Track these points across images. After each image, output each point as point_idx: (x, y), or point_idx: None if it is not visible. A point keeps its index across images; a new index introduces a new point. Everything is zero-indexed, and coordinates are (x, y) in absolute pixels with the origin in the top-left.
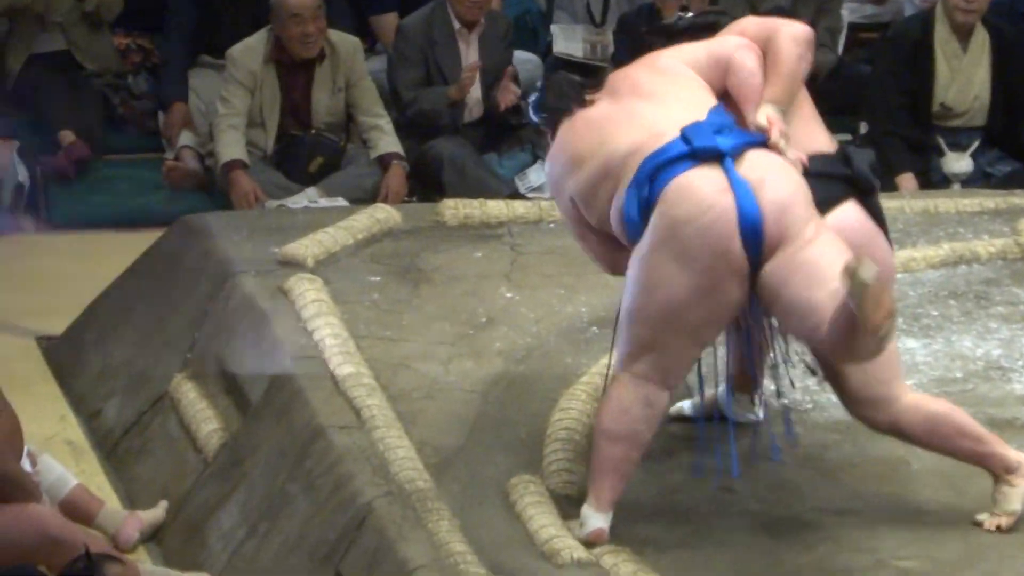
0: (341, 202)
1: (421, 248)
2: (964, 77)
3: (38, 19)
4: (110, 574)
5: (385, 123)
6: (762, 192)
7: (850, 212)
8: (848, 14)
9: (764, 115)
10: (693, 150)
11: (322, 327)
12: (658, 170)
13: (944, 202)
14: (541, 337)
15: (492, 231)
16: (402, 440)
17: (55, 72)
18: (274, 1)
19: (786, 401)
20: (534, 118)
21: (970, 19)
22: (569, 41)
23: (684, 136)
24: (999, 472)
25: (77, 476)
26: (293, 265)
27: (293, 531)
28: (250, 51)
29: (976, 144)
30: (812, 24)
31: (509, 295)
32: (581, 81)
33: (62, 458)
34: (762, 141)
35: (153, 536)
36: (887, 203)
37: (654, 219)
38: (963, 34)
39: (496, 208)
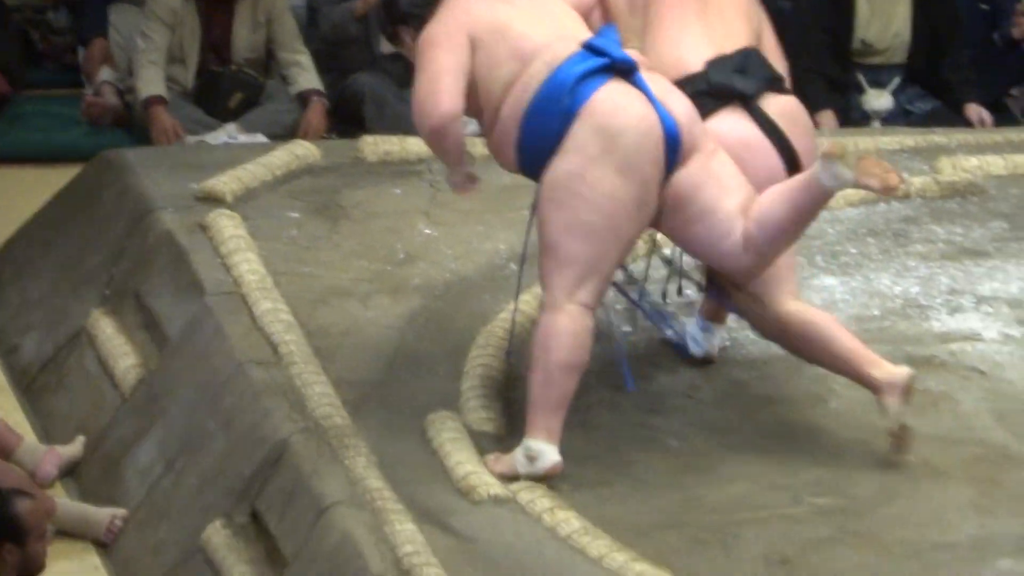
0: (260, 138)
1: (340, 184)
2: (884, 13)
3: None
4: (21, 509)
5: (305, 59)
6: (670, 105)
7: (719, 123)
8: None
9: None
10: (613, 62)
11: (240, 263)
12: (579, 81)
13: (864, 140)
14: (460, 274)
15: (411, 167)
16: (319, 376)
17: None
18: None
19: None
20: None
21: None
22: None
23: (594, 48)
24: (872, 390)
25: None
26: (212, 201)
27: (210, 467)
28: None
29: (897, 81)
30: None
31: (428, 231)
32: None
33: None
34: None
35: (71, 472)
36: None
37: (583, 132)
38: None
39: (416, 144)
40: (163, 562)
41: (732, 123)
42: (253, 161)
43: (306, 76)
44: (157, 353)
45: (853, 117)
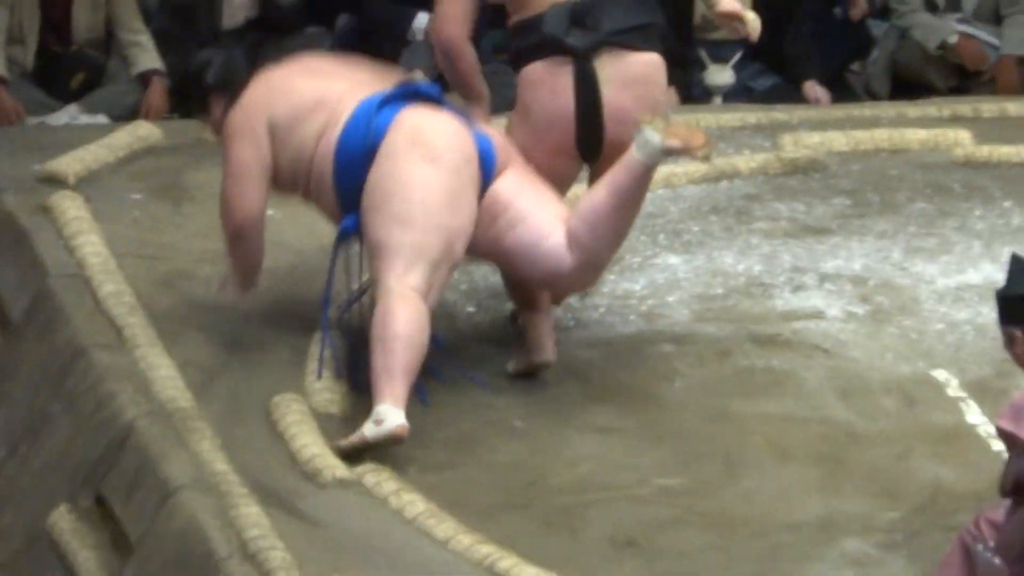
0: (102, 119)
1: (183, 165)
2: None
3: None
4: None
5: (145, 39)
6: (482, 127)
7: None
8: None
9: None
10: (417, 91)
11: (83, 245)
12: (382, 106)
13: (705, 116)
14: (304, 255)
15: None
16: (163, 359)
17: None
18: None
19: None
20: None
21: None
22: None
23: (400, 86)
24: None
25: None
26: (54, 183)
27: (54, 452)
28: None
29: (738, 56)
30: None
31: (271, 213)
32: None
33: None
34: None
35: None
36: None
37: (390, 140)
38: None
39: None
40: (7, 548)
41: (543, 69)
42: (95, 142)
43: (146, 56)
44: None
45: (694, 94)
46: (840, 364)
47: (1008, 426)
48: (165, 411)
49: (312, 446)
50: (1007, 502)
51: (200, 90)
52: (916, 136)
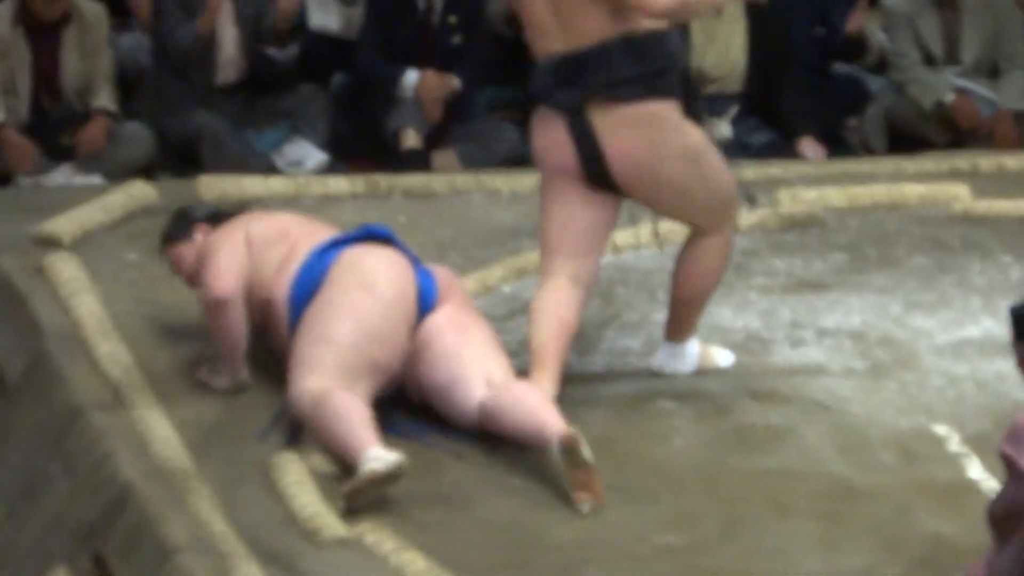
0: (97, 180)
1: None
2: (720, 41)
3: None
4: None
5: (108, 85)
6: (430, 267)
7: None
8: None
9: None
10: (367, 232)
11: (79, 306)
12: (334, 245)
13: None
14: None
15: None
16: (161, 419)
17: None
18: None
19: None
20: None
21: None
22: (325, 15)
23: (356, 229)
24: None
25: None
26: (50, 244)
27: (52, 513)
28: None
29: (734, 111)
30: None
31: None
32: (205, 215)
33: None
34: None
35: None
36: None
37: (333, 273)
38: None
39: (252, 184)
40: None
41: (543, 117)
42: (90, 203)
43: (104, 96)
44: None
45: None
46: (840, 419)
47: (1009, 450)
48: (163, 471)
49: (311, 505)
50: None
51: (185, 222)
52: (914, 191)
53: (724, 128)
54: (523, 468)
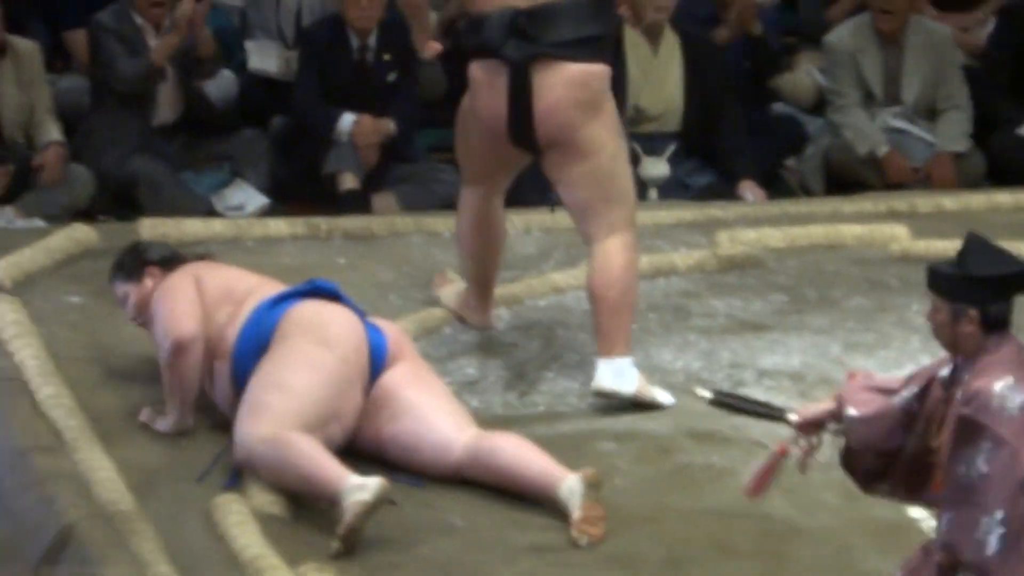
0: (38, 222)
1: None
2: (656, 79)
3: None
4: None
5: (50, 118)
6: (379, 323)
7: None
8: None
9: None
10: (314, 287)
11: (22, 348)
12: (280, 300)
13: (642, 215)
14: None
15: (190, 250)
16: (103, 461)
17: None
18: None
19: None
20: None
21: (660, 17)
22: (264, 58)
23: (301, 284)
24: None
25: None
26: None
27: None
28: None
29: (672, 148)
30: None
31: None
32: (157, 258)
33: None
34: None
35: None
36: None
37: (282, 328)
38: (653, 36)
39: (193, 226)
40: None
41: (483, 69)
42: (31, 245)
43: (51, 130)
44: None
45: None
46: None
47: (983, 418)
48: (106, 513)
49: (254, 546)
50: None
51: (138, 263)
52: (852, 232)
53: (661, 166)
54: (466, 509)
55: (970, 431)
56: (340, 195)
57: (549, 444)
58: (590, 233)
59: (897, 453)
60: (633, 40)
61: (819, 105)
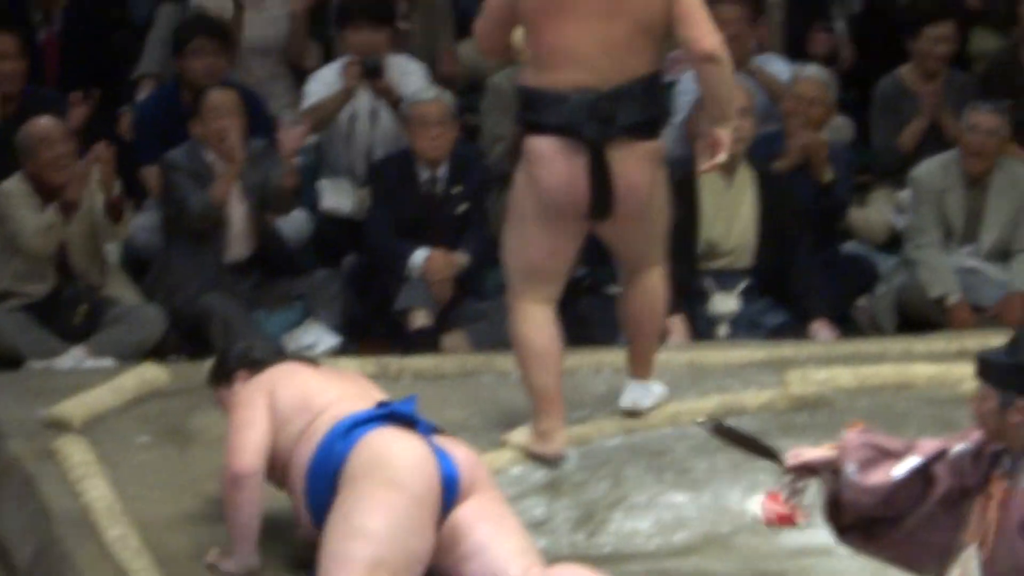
0: (108, 362)
1: (189, 408)
2: (729, 213)
3: None
4: None
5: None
6: (449, 448)
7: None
8: None
9: None
10: (390, 412)
11: (89, 489)
12: (356, 426)
13: (712, 354)
14: None
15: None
16: None
17: None
18: (19, 137)
19: None
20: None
21: (735, 148)
22: (337, 196)
23: (380, 406)
24: None
25: None
26: (60, 427)
27: None
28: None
29: (743, 284)
30: None
31: None
32: (244, 360)
33: None
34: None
35: None
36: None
37: (351, 465)
38: (726, 170)
39: None
40: None
41: (558, 146)
42: (101, 385)
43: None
44: None
45: (699, 327)
46: None
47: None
48: None
49: None
50: None
51: (226, 367)
52: (923, 371)
53: (731, 302)
54: None
55: None
56: (411, 333)
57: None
58: (633, 266)
59: (891, 522)
60: (708, 174)
61: (891, 243)
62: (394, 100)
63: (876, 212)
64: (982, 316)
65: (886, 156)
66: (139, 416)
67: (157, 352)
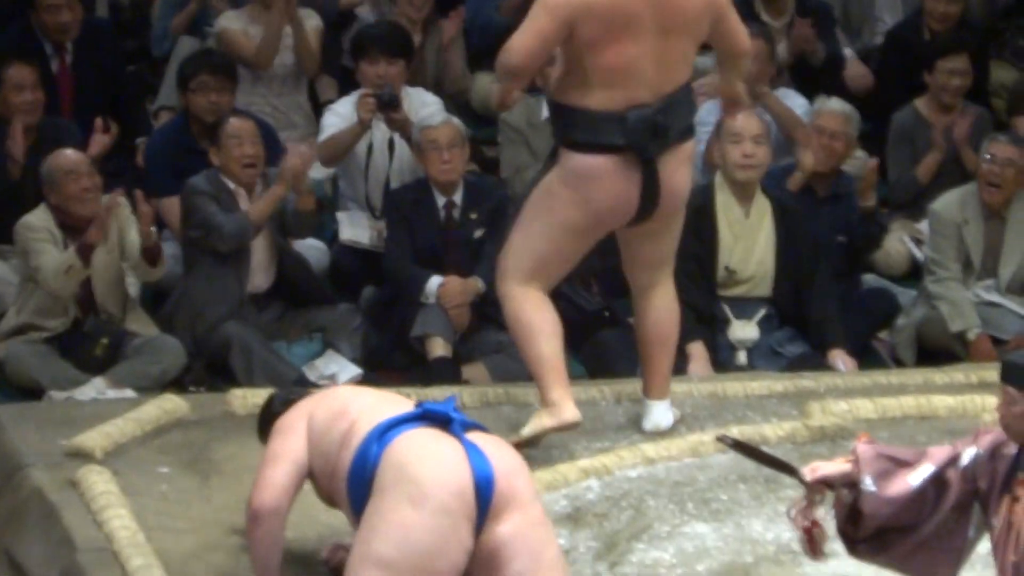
0: (129, 393)
1: (210, 439)
2: (747, 240)
3: None
4: None
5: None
6: (490, 451)
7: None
8: None
9: None
10: (424, 411)
11: (112, 519)
12: (390, 427)
13: (732, 384)
14: (331, 526)
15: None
16: None
17: None
18: (44, 169)
19: None
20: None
21: (751, 174)
22: (355, 228)
23: (418, 404)
24: None
25: None
26: (82, 457)
27: None
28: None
29: (762, 313)
30: None
31: None
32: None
33: None
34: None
35: None
36: (675, 387)
37: (382, 472)
38: (744, 198)
39: None
40: None
41: (614, 164)
42: (122, 416)
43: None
44: None
45: (721, 357)
46: None
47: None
48: None
49: None
50: None
51: (268, 418)
52: (943, 403)
53: (750, 329)
54: None
55: None
56: (431, 363)
57: None
58: (650, 281)
59: (906, 530)
60: (724, 202)
61: (911, 275)
62: (409, 134)
63: (895, 243)
64: (1002, 349)
65: (901, 188)
66: (160, 446)
67: (176, 384)
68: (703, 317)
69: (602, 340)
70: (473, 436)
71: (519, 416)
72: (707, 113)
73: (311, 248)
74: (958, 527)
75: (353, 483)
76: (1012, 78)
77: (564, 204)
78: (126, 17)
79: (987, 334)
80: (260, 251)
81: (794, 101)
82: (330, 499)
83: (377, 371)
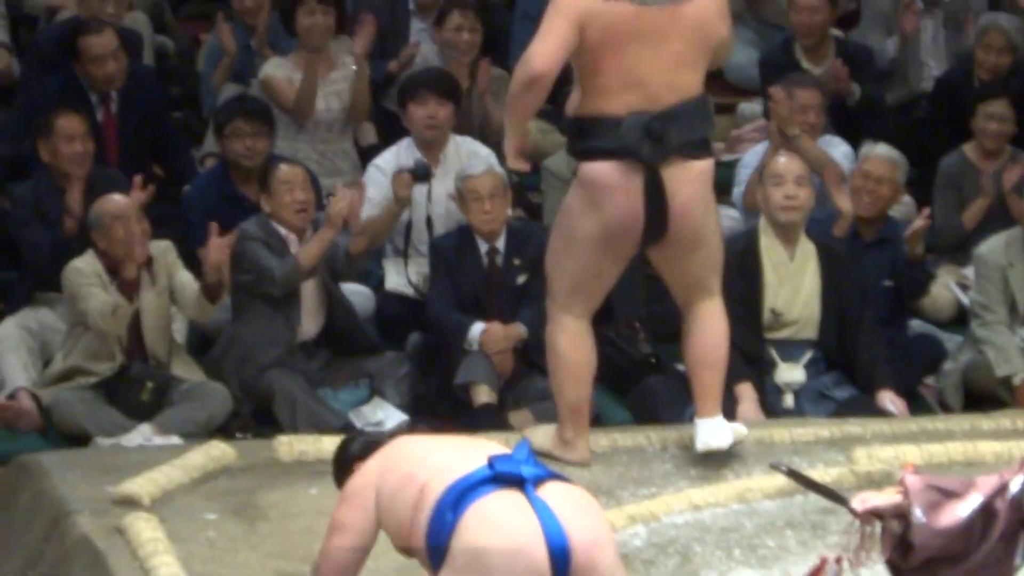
0: (175, 440)
1: (256, 485)
2: (792, 282)
3: None
4: None
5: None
6: (568, 520)
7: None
8: None
9: None
10: (496, 474)
11: (159, 566)
12: (463, 493)
13: (779, 431)
14: (378, 572)
15: (327, 467)
16: None
17: None
18: (92, 214)
19: None
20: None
21: (793, 216)
22: (400, 276)
23: (490, 462)
24: None
25: None
26: (128, 504)
27: None
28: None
29: (809, 355)
30: None
31: None
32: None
33: None
34: (562, 477)
35: None
36: None
37: (453, 551)
38: (788, 241)
39: (331, 444)
40: None
41: (616, 171)
42: (169, 463)
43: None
44: None
45: (768, 401)
46: None
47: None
48: None
49: None
50: None
51: (345, 462)
52: (990, 448)
53: (797, 372)
54: None
55: None
56: (476, 410)
57: None
58: (690, 299)
59: (954, 561)
60: (767, 245)
61: (957, 320)
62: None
63: (941, 288)
64: None
65: (947, 233)
66: (207, 493)
67: (223, 430)
68: (750, 359)
69: (649, 386)
70: (548, 493)
71: (565, 463)
72: (751, 156)
73: (356, 294)
74: (1006, 555)
75: (433, 554)
76: None
77: (578, 217)
78: (172, 64)
79: None
80: (309, 297)
81: (838, 149)
82: (407, 553)
83: (423, 419)
